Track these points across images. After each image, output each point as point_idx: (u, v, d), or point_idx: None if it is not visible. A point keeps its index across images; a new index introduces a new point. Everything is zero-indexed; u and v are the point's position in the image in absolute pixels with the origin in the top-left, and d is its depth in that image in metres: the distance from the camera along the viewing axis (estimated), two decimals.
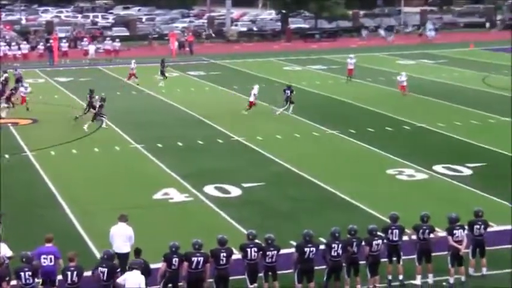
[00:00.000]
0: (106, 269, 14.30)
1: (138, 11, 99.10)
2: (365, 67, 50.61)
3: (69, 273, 14.21)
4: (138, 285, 13.93)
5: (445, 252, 16.27)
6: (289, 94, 34.62)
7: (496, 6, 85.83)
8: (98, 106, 32.42)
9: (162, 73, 45.03)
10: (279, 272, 15.49)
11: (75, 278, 14.17)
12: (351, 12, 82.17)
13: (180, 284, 15.04)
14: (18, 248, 15.50)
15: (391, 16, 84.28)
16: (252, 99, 34.51)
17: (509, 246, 18.12)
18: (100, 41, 61.71)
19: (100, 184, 24.20)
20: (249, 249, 15.24)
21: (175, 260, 14.87)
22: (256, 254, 15.25)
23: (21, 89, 36.88)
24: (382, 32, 73.75)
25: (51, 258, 14.93)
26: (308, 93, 39.62)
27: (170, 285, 15.04)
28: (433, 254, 16.25)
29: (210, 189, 23.16)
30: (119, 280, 14.16)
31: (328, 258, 15.49)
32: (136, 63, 45.38)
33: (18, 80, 39.58)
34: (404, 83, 38.88)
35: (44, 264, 14.89)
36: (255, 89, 34.83)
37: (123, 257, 15.85)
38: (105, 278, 14.29)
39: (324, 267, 15.61)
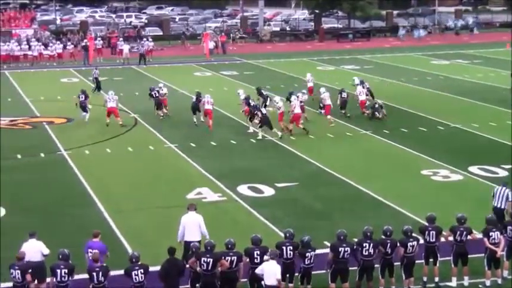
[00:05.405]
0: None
1: (171, 10, 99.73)
2: (399, 67, 50.33)
3: (94, 274, 14.26)
4: (275, 275, 14.22)
5: (481, 255, 16.09)
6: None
7: None
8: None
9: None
10: (312, 273, 15.41)
11: (101, 278, 14.24)
12: (384, 12, 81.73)
13: None
14: (53, 246, 15.63)
15: (425, 16, 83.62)
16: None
17: None
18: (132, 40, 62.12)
19: (134, 183, 24.29)
20: (284, 248, 15.19)
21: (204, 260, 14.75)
22: (291, 252, 15.20)
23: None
24: (416, 32, 73.21)
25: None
26: None
27: (198, 285, 15.00)
28: (469, 256, 16.07)
29: (243, 188, 23.16)
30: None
31: (360, 257, 15.43)
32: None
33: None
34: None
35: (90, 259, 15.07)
36: None
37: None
38: (140, 279, 14.38)
39: (356, 267, 15.53)
